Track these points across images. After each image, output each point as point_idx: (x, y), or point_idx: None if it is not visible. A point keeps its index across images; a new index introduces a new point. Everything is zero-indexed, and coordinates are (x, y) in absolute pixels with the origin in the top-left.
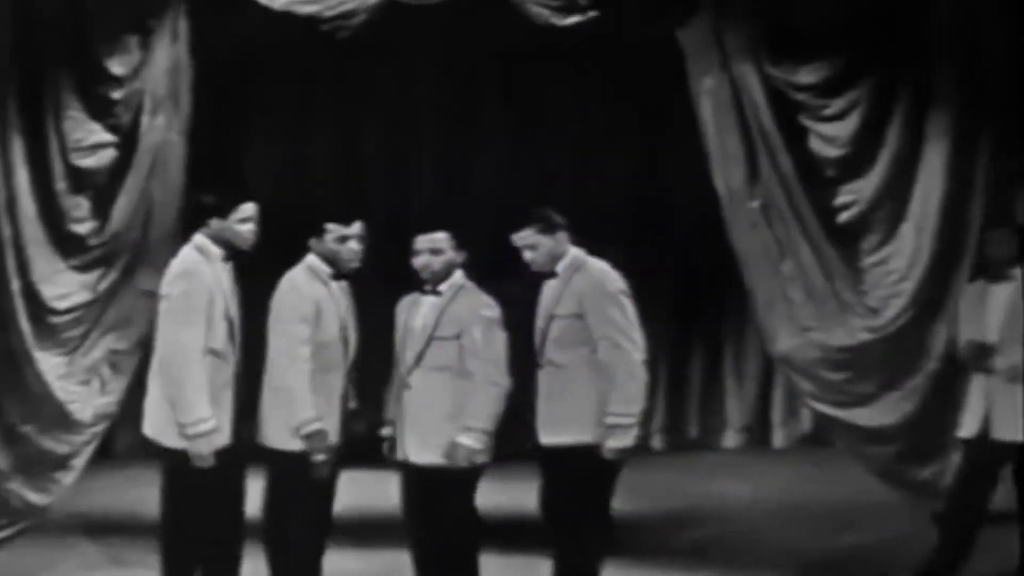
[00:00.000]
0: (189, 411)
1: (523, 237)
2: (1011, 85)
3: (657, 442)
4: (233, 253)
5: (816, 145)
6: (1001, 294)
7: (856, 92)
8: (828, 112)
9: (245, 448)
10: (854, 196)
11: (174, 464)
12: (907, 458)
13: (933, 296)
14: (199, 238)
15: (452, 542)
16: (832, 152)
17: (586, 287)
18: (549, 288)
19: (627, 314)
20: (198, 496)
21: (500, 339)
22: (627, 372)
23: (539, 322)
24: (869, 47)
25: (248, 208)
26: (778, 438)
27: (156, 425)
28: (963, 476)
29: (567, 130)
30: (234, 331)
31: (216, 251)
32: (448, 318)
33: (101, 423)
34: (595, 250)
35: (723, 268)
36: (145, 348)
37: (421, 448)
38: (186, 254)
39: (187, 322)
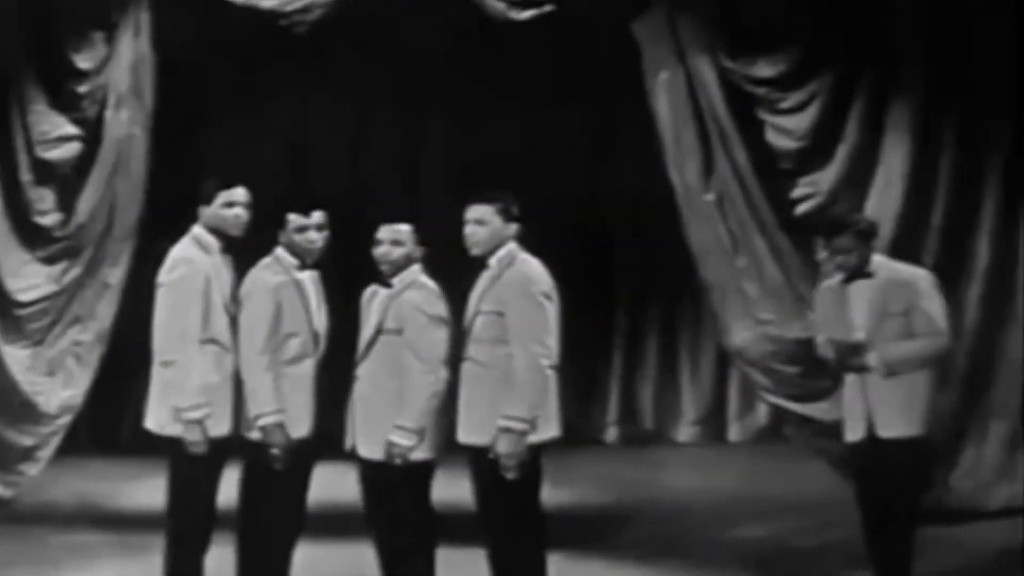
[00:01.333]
0: (184, 396)
1: (478, 210)
2: (975, 78)
3: (611, 435)
4: (230, 242)
5: (772, 138)
6: (862, 291)
7: (814, 85)
8: (785, 105)
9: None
10: (811, 189)
11: (181, 454)
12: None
13: None
14: (196, 229)
15: (407, 536)
16: (789, 145)
17: (511, 285)
18: (480, 282)
19: (544, 317)
20: (201, 484)
21: (439, 338)
22: (529, 376)
23: (466, 316)
24: (828, 40)
25: (233, 193)
26: (733, 431)
27: (158, 417)
28: (860, 480)
29: (523, 123)
30: (236, 322)
31: (213, 242)
32: (393, 312)
33: (66, 415)
34: (543, 244)
35: (678, 261)
36: (109, 340)
37: (369, 442)
38: (183, 244)
39: (183, 308)
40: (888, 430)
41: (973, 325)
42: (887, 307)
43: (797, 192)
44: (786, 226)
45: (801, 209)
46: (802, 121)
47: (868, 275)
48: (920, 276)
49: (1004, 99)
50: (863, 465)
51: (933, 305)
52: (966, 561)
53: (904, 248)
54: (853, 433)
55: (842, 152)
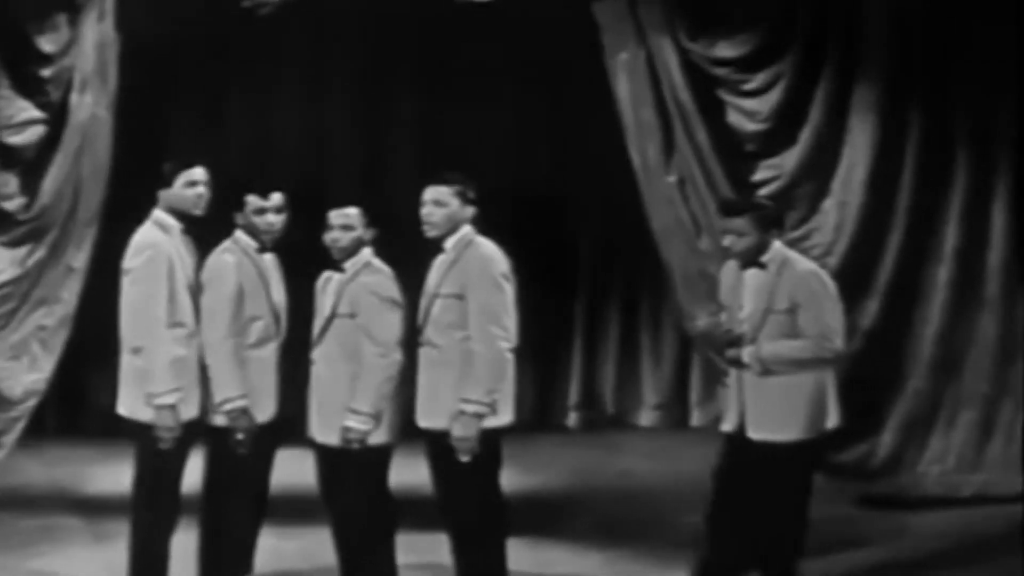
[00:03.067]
0: (155, 381)
1: (436, 192)
2: (942, 58)
3: (571, 419)
4: (191, 223)
5: (735, 119)
6: (752, 281)
7: (778, 67)
8: (748, 87)
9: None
10: (775, 171)
11: (150, 439)
12: (832, 439)
13: (859, 272)
14: (157, 213)
15: (365, 521)
16: (752, 126)
17: (471, 267)
18: (436, 265)
19: (504, 299)
20: (168, 468)
21: (393, 320)
22: (487, 359)
23: (423, 300)
24: (791, 21)
25: (193, 173)
26: (696, 417)
27: (129, 403)
28: (721, 474)
29: (484, 105)
30: (198, 305)
31: (174, 224)
32: (347, 296)
33: (31, 399)
34: (503, 227)
35: (639, 244)
36: (73, 324)
37: (324, 427)
38: (145, 229)
39: (150, 292)
40: (758, 431)
41: (942, 309)
42: (772, 303)
43: (759, 174)
44: None
45: (764, 192)
46: (765, 103)
47: (761, 265)
48: (814, 275)
49: (971, 78)
50: (728, 459)
51: (824, 307)
52: (933, 548)
53: (871, 230)
54: (728, 424)
55: (806, 134)
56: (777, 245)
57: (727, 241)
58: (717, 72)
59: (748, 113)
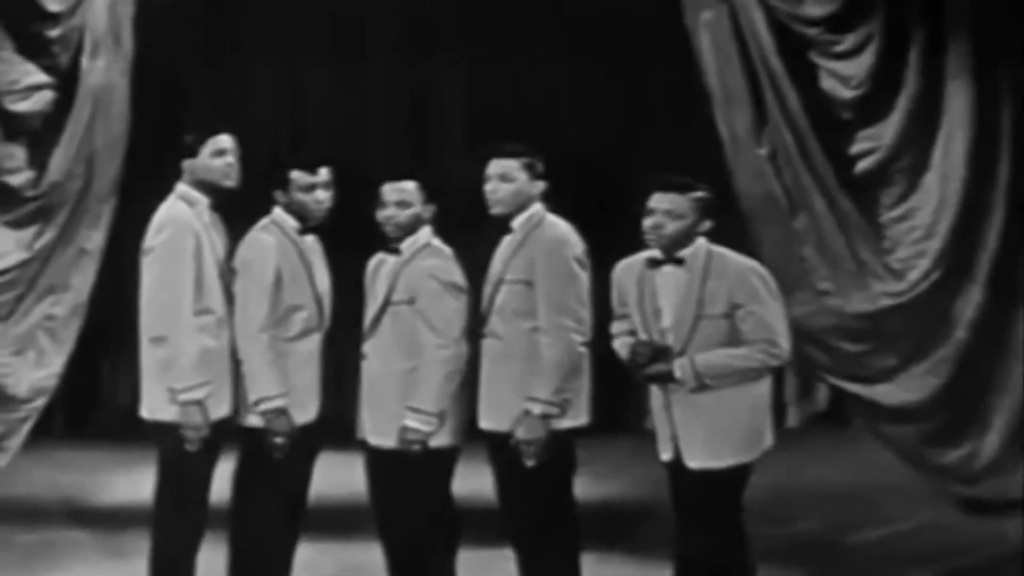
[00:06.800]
0: (180, 375)
1: (503, 165)
2: None
3: (649, 422)
4: (219, 198)
5: (829, 85)
6: (671, 281)
7: (869, 26)
8: (840, 48)
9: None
10: (873, 143)
11: (174, 441)
12: (934, 439)
13: (961, 255)
14: (181, 187)
15: (424, 535)
16: (847, 93)
17: (541, 250)
18: (502, 248)
19: (578, 287)
20: (195, 474)
21: (456, 308)
22: (557, 353)
23: (486, 287)
24: None
25: (220, 140)
26: (790, 416)
27: (152, 402)
28: (677, 509)
29: (546, 68)
30: (230, 289)
31: (201, 198)
32: (404, 281)
33: (38, 398)
34: (572, 206)
35: (726, 224)
36: (86, 314)
37: (378, 429)
38: (169, 204)
39: (173, 275)
40: (695, 459)
41: None
42: (704, 307)
43: (856, 147)
44: (847, 184)
45: (862, 166)
46: (859, 66)
47: (679, 261)
48: (753, 271)
49: None
50: (675, 492)
51: (767, 307)
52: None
53: (974, 209)
54: (665, 452)
55: (903, 101)
56: (700, 240)
57: (653, 220)
58: (806, 32)
59: (842, 78)
